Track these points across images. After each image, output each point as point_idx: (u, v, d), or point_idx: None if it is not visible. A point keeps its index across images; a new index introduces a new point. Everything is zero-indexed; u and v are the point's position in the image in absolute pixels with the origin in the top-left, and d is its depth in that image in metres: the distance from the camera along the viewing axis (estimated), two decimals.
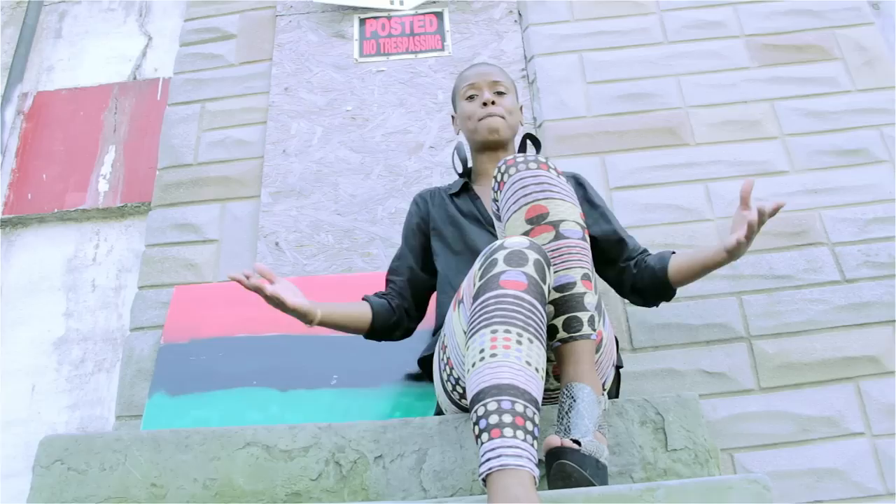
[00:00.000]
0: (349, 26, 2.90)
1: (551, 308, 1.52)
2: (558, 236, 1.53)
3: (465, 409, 1.69)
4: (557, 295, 1.51)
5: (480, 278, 1.44)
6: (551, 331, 1.52)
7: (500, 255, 1.44)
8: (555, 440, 1.41)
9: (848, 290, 2.28)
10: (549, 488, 1.41)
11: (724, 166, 2.50)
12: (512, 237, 1.49)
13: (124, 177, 2.93)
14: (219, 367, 2.26)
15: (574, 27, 2.78)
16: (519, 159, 1.60)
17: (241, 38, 2.94)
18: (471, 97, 2.09)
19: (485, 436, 1.26)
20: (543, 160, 1.61)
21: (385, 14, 2.91)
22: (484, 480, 1.25)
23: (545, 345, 1.40)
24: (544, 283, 1.44)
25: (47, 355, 2.73)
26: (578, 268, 1.53)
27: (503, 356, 1.32)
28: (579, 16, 2.80)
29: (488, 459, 1.24)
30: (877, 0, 3.01)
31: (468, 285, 1.54)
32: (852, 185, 2.44)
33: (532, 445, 1.26)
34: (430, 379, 2.03)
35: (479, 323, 1.38)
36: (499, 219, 1.67)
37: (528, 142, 2.20)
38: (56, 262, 2.88)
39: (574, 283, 1.52)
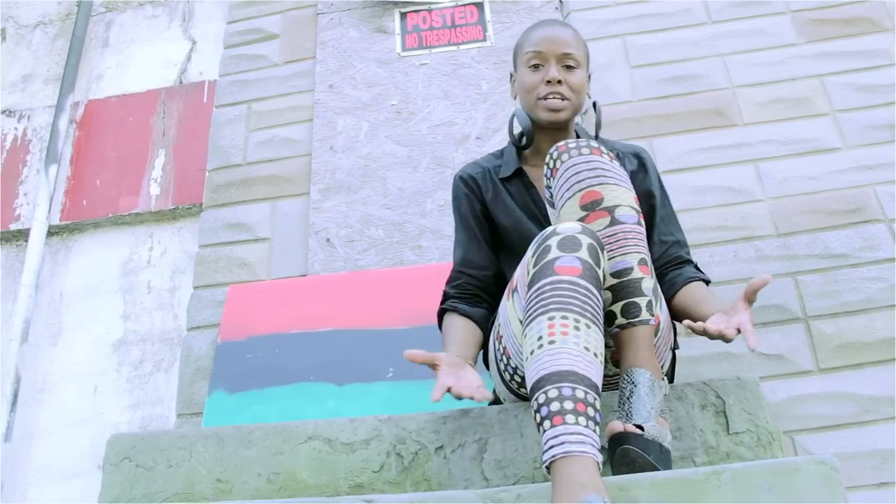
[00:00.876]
0: (390, 21, 2.91)
1: (609, 294, 1.51)
2: (614, 221, 1.52)
3: (524, 398, 1.69)
4: (615, 281, 1.50)
5: (534, 265, 1.44)
6: (609, 317, 1.51)
7: (554, 241, 1.43)
8: (618, 425, 1.41)
9: None
10: (613, 474, 1.41)
11: (775, 145, 2.47)
12: (564, 222, 1.48)
13: (174, 179, 2.98)
14: (276, 363, 2.30)
15: (616, 11, 2.76)
16: (571, 145, 1.58)
17: (283, 37, 2.97)
18: (535, 66, 1.85)
19: (546, 423, 1.26)
20: (596, 145, 1.58)
21: (426, 7, 2.92)
22: (547, 468, 1.25)
23: (602, 330, 1.39)
24: (599, 267, 1.43)
25: (108, 357, 2.79)
26: (635, 252, 1.51)
27: (561, 342, 1.32)
28: (620, 0, 2.78)
29: (551, 447, 1.23)
30: None
31: (521, 273, 1.54)
32: None
33: (594, 431, 1.25)
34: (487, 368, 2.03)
35: (535, 310, 1.38)
36: (552, 206, 1.65)
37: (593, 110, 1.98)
38: (112, 265, 2.94)
39: (631, 269, 1.50)
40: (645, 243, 1.56)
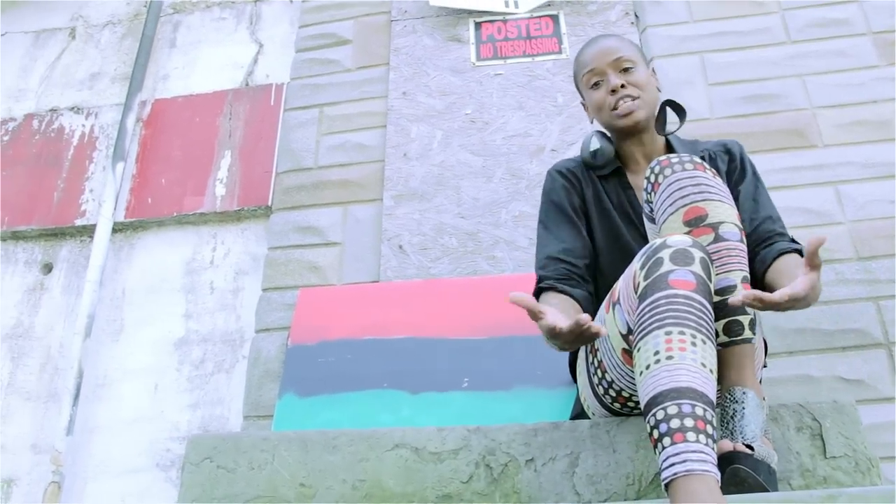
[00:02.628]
0: (465, 30, 2.91)
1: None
2: (718, 238, 1.50)
3: (617, 413, 1.68)
4: (718, 298, 1.48)
5: (646, 277, 1.42)
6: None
7: (666, 254, 1.41)
8: (727, 444, 1.39)
9: None
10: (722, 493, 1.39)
11: (855, 168, 2.44)
12: (673, 235, 1.46)
13: (240, 181, 2.98)
14: (348, 368, 2.29)
15: (693, 28, 2.75)
16: (674, 160, 1.56)
17: (356, 43, 2.98)
18: (595, 84, 1.87)
19: (666, 440, 1.24)
20: (699, 161, 1.56)
21: (500, 17, 2.92)
22: (666, 486, 1.23)
23: (715, 345, 1.38)
24: (710, 281, 1.41)
25: (169, 355, 2.79)
26: (738, 270, 1.50)
27: (679, 358, 1.30)
28: (698, 16, 2.77)
29: (672, 464, 1.22)
30: None
31: (625, 285, 1.51)
32: None
33: (713, 449, 1.24)
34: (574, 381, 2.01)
35: (650, 324, 1.36)
36: (652, 221, 1.63)
37: (669, 108, 1.96)
38: (175, 264, 2.95)
39: (735, 287, 1.49)
40: (747, 261, 1.54)
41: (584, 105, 2.00)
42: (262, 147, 3.03)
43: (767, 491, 1.35)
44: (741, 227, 1.55)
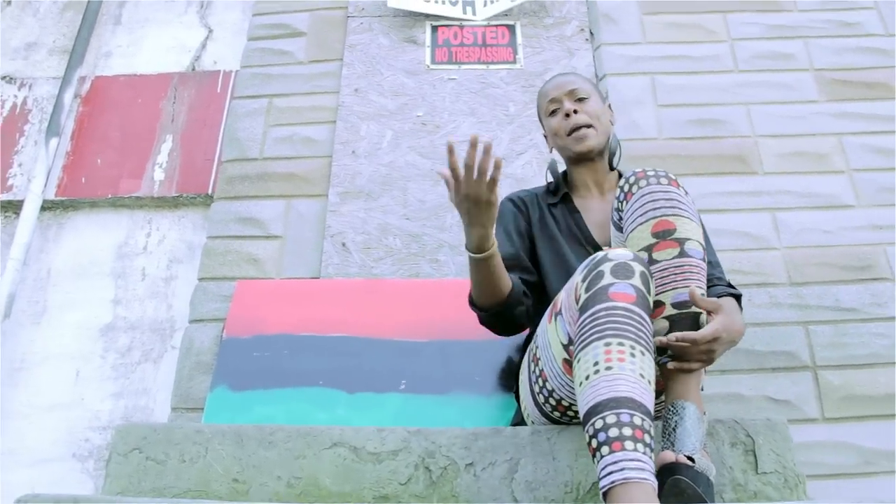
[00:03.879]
0: (421, 32, 2.91)
1: (665, 323, 1.52)
2: (682, 254, 1.53)
3: (556, 422, 1.69)
4: (675, 311, 1.51)
5: (587, 290, 1.43)
6: (663, 347, 1.52)
7: (607, 267, 1.43)
8: (669, 456, 1.41)
9: None
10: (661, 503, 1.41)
11: (793, 197, 2.52)
12: (615, 249, 1.48)
13: (180, 167, 2.90)
14: (283, 364, 2.24)
15: (646, 49, 2.81)
16: (650, 172, 1.60)
17: (310, 36, 2.94)
18: (553, 112, 1.99)
19: (605, 449, 1.25)
20: (674, 177, 1.60)
21: (457, 23, 2.92)
22: (605, 494, 1.24)
23: (654, 357, 1.40)
24: (650, 294, 1.44)
25: (93, 341, 2.69)
26: (697, 288, 1.53)
27: (619, 369, 1.32)
28: (651, 38, 2.83)
29: (610, 473, 1.23)
30: None
31: (567, 297, 1.53)
32: None
33: (651, 458, 1.26)
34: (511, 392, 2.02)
35: (590, 335, 1.38)
36: (620, 229, 1.66)
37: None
38: (106, 248, 2.85)
39: (692, 302, 1.52)
40: (706, 280, 1.57)
41: (545, 137, 2.09)
42: (206, 134, 2.96)
43: (706, 502, 1.37)
44: (705, 247, 1.59)
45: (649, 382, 1.34)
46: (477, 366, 2.17)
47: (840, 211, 2.50)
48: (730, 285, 1.82)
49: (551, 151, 2.11)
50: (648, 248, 1.54)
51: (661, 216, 1.55)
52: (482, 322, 1.85)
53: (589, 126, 1.92)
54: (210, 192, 2.80)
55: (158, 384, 2.59)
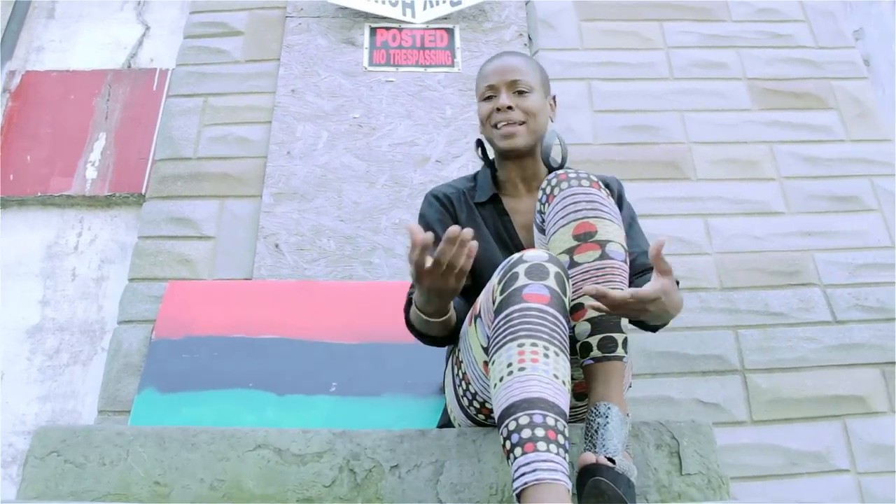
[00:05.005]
0: (359, 34, 2.89)
1: (587, 326, 1.52)
2: (604, 256, 1.53)
3: (481, 424, 1.68)
4: (596, 314, 1.52)
5: (501, 292, 1.43)
6: (584, 348, 1.52)
7: (521, 269, 1.43)
8: (590, 457, 1.41)
9: (838, 331, 2.35)
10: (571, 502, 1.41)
11: (724, 203, 2.56)
12: (531, 250, 1.48)
13: (114, 165, 2.84)
14: (213, 366, 2.21)
15: (583, 55, 2.83)
16: (571, 174, 1.59)
17: (248, 35, 2.91)
18: (488, 98, 1.86)
19: (518, 450, 1.25)
20: (595, 179, 1.60)
21: (396, 25, 2.91)
22: (518, 495, 1.24)
23: (569, 357, 1.39)
24: (565, 295, 1.44)
25: (20, 343, 2.62)
26: (619, 290, 1.52)
27: (532, 369, 1.31)
28: (589, 45, 2.85)
29: (523, 474, 1.23)
30: (867, 56, 3.14)
31: (486, 300, 1.52)
32: (844, 231, 2.53)
33: (564, 459, 1.26)
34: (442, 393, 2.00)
35: (504, 337, 1.37)
36: (542, 231, 1.65)
37: (558, 142, 1.93)
38: (35, 247, 2.78)
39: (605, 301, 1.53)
40: (628, 281, 1.58)
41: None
42: (141, 133, 2.90)
43: (626, 503, 1.38)
44: (626, 249, 1.59)
45: (564, 383, 1.34)
46: (408, 368, 2.17)
47: (770, 217, 2.54)
48: None
49: (482, 132, 1.96)
50: (570, 251, 1.54)
51: (581, 218, 1.54)
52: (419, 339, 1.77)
53: (522, 123, 1.81)
54: (144, 191, 2.74)
55: (87, 387, 2.53)
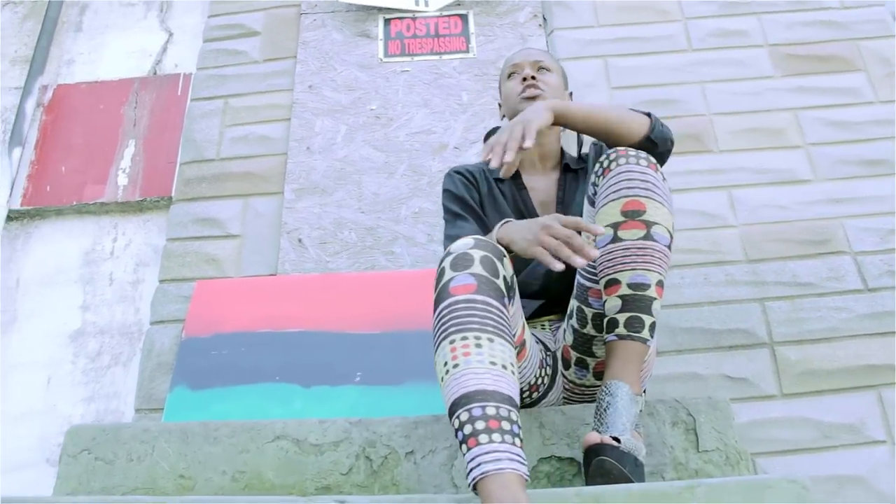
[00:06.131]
0: (374, 26, 2.91)
1: (618, 302, 1.51)
2: (648, 236, 1.51)
3: None
4: (629, 291, 1.50)
5: (435, 289, 1.42)
6: (611, 324, 1.51)
7: (447, 262, 1.42)
8: (594, 437, 1.41)
9: (870, 299, 2.29)
10: (587, 484, 1.41)
11: (748, 174, 2.51)
12: (459, 240, 1.47)
13: (143, 171, 2.92)
14: (241, 361, 2.26)
15: (599, 32, 2.80)
16: (631, 152, 1.57)
17: (264, 34, 2.95)
18: (511, 75, 2.01)
19: (464, 447, 1.25)
20: (654, 161, 1.58)
21: (410, 15, 2.92)
22: (475, 490, 1.24)
23: (510, 338, 1.38)
24: (497, 277, 1.41)
25: (63, 348, 2.71)
26: (657, 273, 1.51)
27: (464, 364, 1.30)
28: (604, 21, 2.82)
29: (470, 470, 1.23)
30: None
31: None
32: (874, 196, 2.46)
33: (513, 444, 1.24)
34: None
35: (438, 336, 1.37)
36: (592, 204, 1.64)
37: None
38: (73, 255, 2.87)
39: (648, 286, 1.50)
40: (667, 268, 1.56)
41: (500, 106, 2.09)
42: (168, 137, 2.97)
43: (632, 482, 1.37)
44: (673, 234, 1.56)
45: (504, 367, 1.32)
46: (431, 355, 2.16)
47: (797, 186, 2.49)
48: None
49: (502, 119, 2.08)
50: (615, 226, 1.53)
51: (633, 196, 1.52)
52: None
53: (543, 90, 1.92)
54: (173, 194, 2.81)
55: (129, 387, 2.60)
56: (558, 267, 1.38)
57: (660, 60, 2.73)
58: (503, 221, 1.59)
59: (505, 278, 1.43)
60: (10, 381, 2.68)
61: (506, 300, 1.41)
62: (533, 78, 1.93)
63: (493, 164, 1.53)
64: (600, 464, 1.38)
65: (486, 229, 1.86)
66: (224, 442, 1.69)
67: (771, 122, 2.60)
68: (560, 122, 1.67)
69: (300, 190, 2.60)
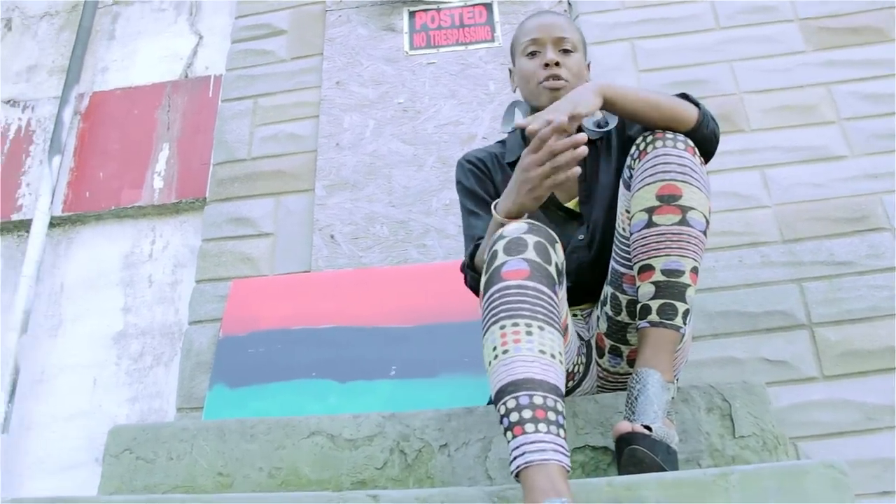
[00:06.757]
0: (399, 19, 2.91)
1: (651, 288, 1.49)
2: (683, 222, 1.49)
3: None
4: (663, 278, 1.49)
5: (485, 272, 1.41)
6: (644, 311, 1.50)
7: (500, 246, 1.40)
8: (625, 426, 1.40)
9: None
10: (620, 474, 1.40)
11: (781, 152, 2.47)
12: (511, 224, 1.45)
13: (178, 173, 2.97)
14: (277, 358, 2.29)
15: (624, 15, 2.76)
16: (668, 135, 1.54)
17: (291, 33, 2.97)
18: (532, 53, 1.81)
19: (509, 434, 1.25)
20: (692, 144, 1.55)
21: (434, 6, 2.92)
22: (517, 478, 1.24)
23: (559, 326, 1.36)
24: (549, 264, 1.39)
25: (107, 349, 2.78)
26: (691, 259, 1.50)
27: (514, 351, 1.29)
28: (629, 3, 2.79)
29: (514, 458, 1.23)
30: None
31: (482, 283, 1.47)
32: None
33: (558, 435, 1.24)
34: None
35: (487, 320, 1.35)
36: (628, 187, 1.60)
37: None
38: (113, 258, 2.93)
39: (682, 272, 1.49)
40: (702, 254, 1.54)
41: (511, 73, 1.95)
42: (200, 139, 3.01)
43: (665, 470, 1.36)
44: (709, 219, 1.54)
45: (553, 357, 1.31)
46: (465, 347, 2.19)
47: (832, 163, 2.43)
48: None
49: (514, 91, 1.93)
50: (650, 210, 1.51)
51: (669, 180, 1.50)
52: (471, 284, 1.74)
53: (567, 81, 1.76)
54: (207, 195, 2.85)
55: (171, 386, 2.65)
56: (577, 170, 1.42)
57: (687, 41, 2.69)
58: (493, 205, 1.56)
59: (556, 264, 1.42)
60: (58, 384, 2.75)
61: (556, 287, 1.40)
62: (557, 64, 1.77)
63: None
64: (632, 453, 1.37)
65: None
66: (260, 439, 1.71)
67: (803, 99, 2.55)
68: (608, 107, 1.59)
69: (331, 186, 2.61)
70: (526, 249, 1.38)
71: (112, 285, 2.88)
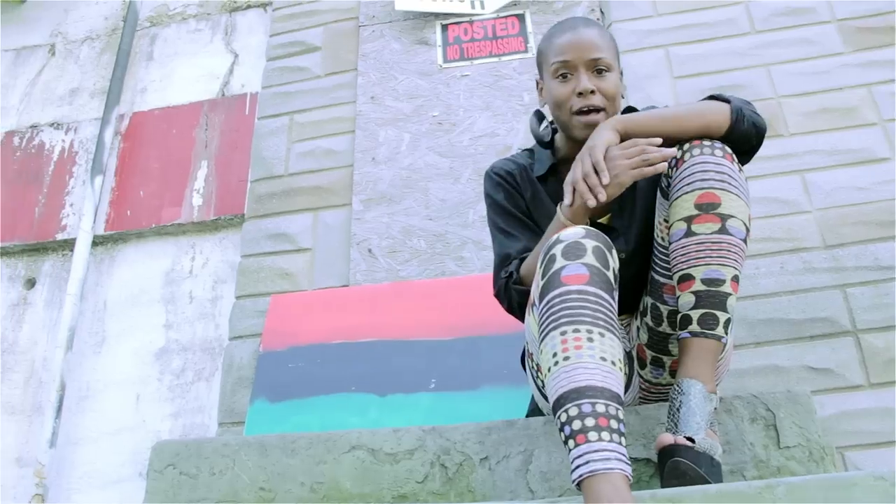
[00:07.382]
0: (432, 33, 2.93)
1: (692, 298, 1.47)
2: (723, 230, 1.47)
3: None
4: (703, 287, 1.47)
5: (542, 276, 1.39)
6: (684, 321, 1.48)
7: (558, 250, 1.38)
8: (668, 438, 1.38)
9: None
10: (663, 486, 1.38)
11: (821, 156, 2.43)
12: (568, 229, 1.43)
13: (217, 190, 3.02)
14: (317, 373, 2.31)
15: (658, 22, 2.75)
16: (706, 143, 1.52)
17: (325, 49, 3.00)
18: (564, 76, 1.69)
19: (571, 443, 1.24)
20: (730, 151, 1.53)
21: (467, 19, 2.93)
22: (578, 486, 1.23)
23: (619, 334, 1.35)
24: (608, 269, 1.38)
25: (150, 366, 2.82)
26: (732, 268, 1.48)
27: (576, 357, 1.29)
28: (663, 10, 2.77)
29: (577, 466, 1.22)
30: None
31: (535, 286, 1.46)
32: None
33: (620, 444, 1.23)
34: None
35: (547, 325, 1.34)
36: (666, 196, 1.58)
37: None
38: (155, 275, 2.98)
39: (723, 281, 1.47)
40: (743, 262, 1.51)
41: (538, 84, 1.84)
42: (238, 156, 3.06)
43: (709, 483, 1.34)
44: (749, 227, 1.52)
45: (613, 363, 1.30)
46: (505, 359, 2.18)
47: (874, 165, 2.39)
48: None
49: (542, 106, 1.82)
50: (689, 219, 1.49)
51: (708, 188, 1.48)
52: (511, 306, 1.74)
53: (601, 110, 1.66)
54: (245, 212, 2.89)
55: (212, 401, 2.69)
56: (664, 165, 1.49)
57: (722, 45, 2.66)
58: (559, 205, 1.60)
59: (613, 270, 1.41)
60: (104, 400, 2.80)
61: (614, 293, 1.39)
62: (592, 92, 1.66)
63: (590, 203, 1.50)
64: (675, 465, 1.35)
65: (535, 238, 1.74)
66: (301, 453, 1.72)
67: (843, 101, 2.50)
68: (626, 137, 1.56)
69: (368, 200, 2.63)
70: (585, 254, 1.37)
71: (154, 302, 2.93)
